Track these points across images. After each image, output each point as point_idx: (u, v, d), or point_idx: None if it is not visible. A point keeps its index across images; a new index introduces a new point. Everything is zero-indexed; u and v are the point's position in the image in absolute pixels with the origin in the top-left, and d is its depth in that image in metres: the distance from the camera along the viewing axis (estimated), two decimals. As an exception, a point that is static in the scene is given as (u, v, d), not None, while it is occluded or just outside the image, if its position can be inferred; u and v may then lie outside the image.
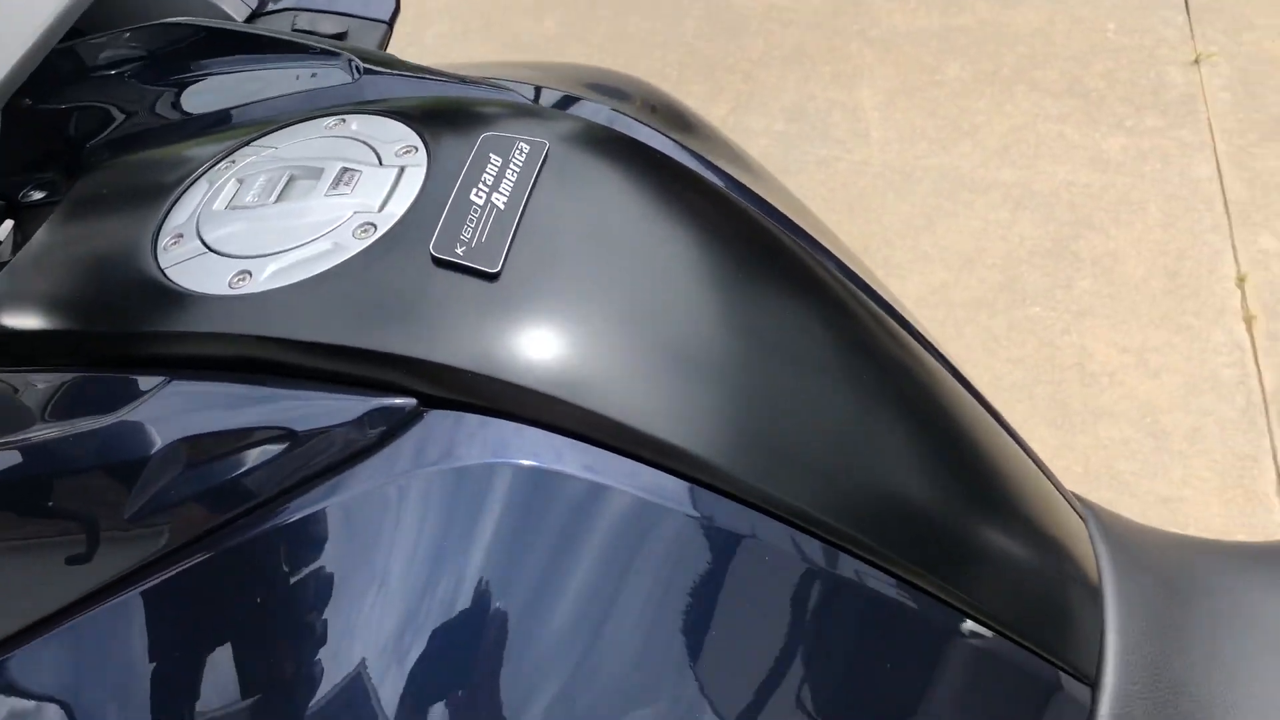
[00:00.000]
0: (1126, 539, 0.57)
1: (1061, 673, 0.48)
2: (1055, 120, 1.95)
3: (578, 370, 0.42)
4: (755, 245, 0.52)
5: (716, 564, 0.41)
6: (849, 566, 0.43)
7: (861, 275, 0.58)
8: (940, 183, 1.87)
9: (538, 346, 0.42)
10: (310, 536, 0.41)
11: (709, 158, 0.59)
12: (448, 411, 0.42)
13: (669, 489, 0.41)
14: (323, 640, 0.40)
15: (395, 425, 0.41)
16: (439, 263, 0.44)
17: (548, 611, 0.39)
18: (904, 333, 0.54)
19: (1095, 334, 1.65)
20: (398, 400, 0.42)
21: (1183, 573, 0.57)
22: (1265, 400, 1.56)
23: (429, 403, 0.42)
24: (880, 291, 0.58)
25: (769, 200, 0.58)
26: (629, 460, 0.40)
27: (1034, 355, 1.63)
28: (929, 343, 0.56)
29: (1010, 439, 0.55)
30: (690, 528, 0.41)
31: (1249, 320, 1.64)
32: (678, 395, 0.43)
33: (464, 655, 0.40)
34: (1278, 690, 0.54)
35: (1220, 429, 1.52)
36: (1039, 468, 0.55)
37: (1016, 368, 1.62)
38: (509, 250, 0.44)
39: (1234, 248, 1.75)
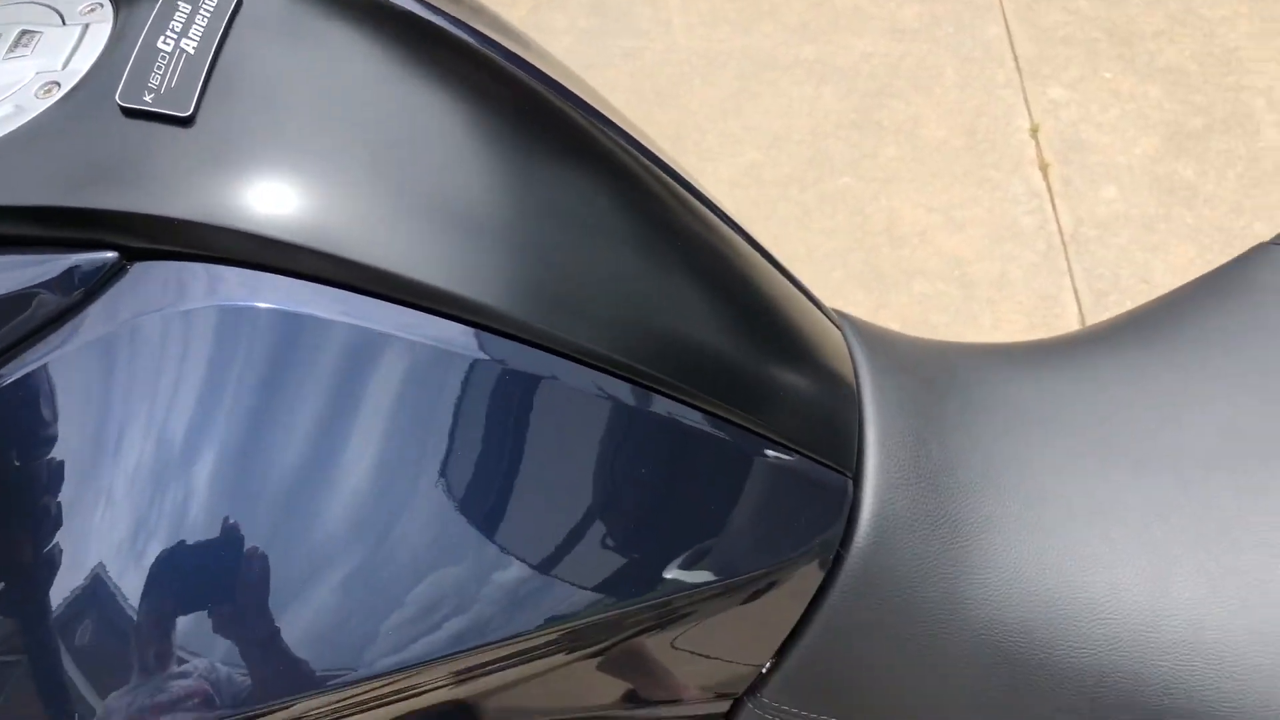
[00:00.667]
0: (884, 344, 0.59)
1: (824, 468, 0.49)
2: (851, -7, 1.98)
3: (295, 212, 0.41)
4: (514, 99, 0.51)
5: (484, 397, 0.41)
6: (621, 390, 0.43)
7: (629, 130, 0.57)
8: (744, 64, 1.88)
9: (246, 189, 0.41)
10: (19, 401, 0.39)
11: (474, 25, 0.57)
12: (155, 262, 0.40)
13: (401, 324, 0.40)
14: (53, 515, 0.39)
15: (98, 282, 0.39)
16: (128, 112, 0.42)
17: (324, 462, 0.39)
18: (667, 177, 0.54)
19: (903, 197, 1.69)
20: (97, 255, 0.40)
21: (940, 371, 0.59)
22: (1064, 241, 1.63)
23: (135, 255, 0.40)
24: (646, 144, 0.58)
25: (532, 61, 0.56)
26: (347, 293, 0.40)
27: (846, 224, 1.67)
28: (693, 187, 0.56)
29: (770, 265, 0.56)
30: (451, 365, 0.40)
31: (1044, 167, 1.72)
32: (420, 237, 0.42)
33: (218, 517, 0.38)
34: (1034, 468, 0.56)
35: (1024, 273, 1.59)
36: (798, 289, 0.57)
37: (830, 238, 1.66)
38: (202, 94, 0.42)
39: (1026, 101, 1.81)
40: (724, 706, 0.53)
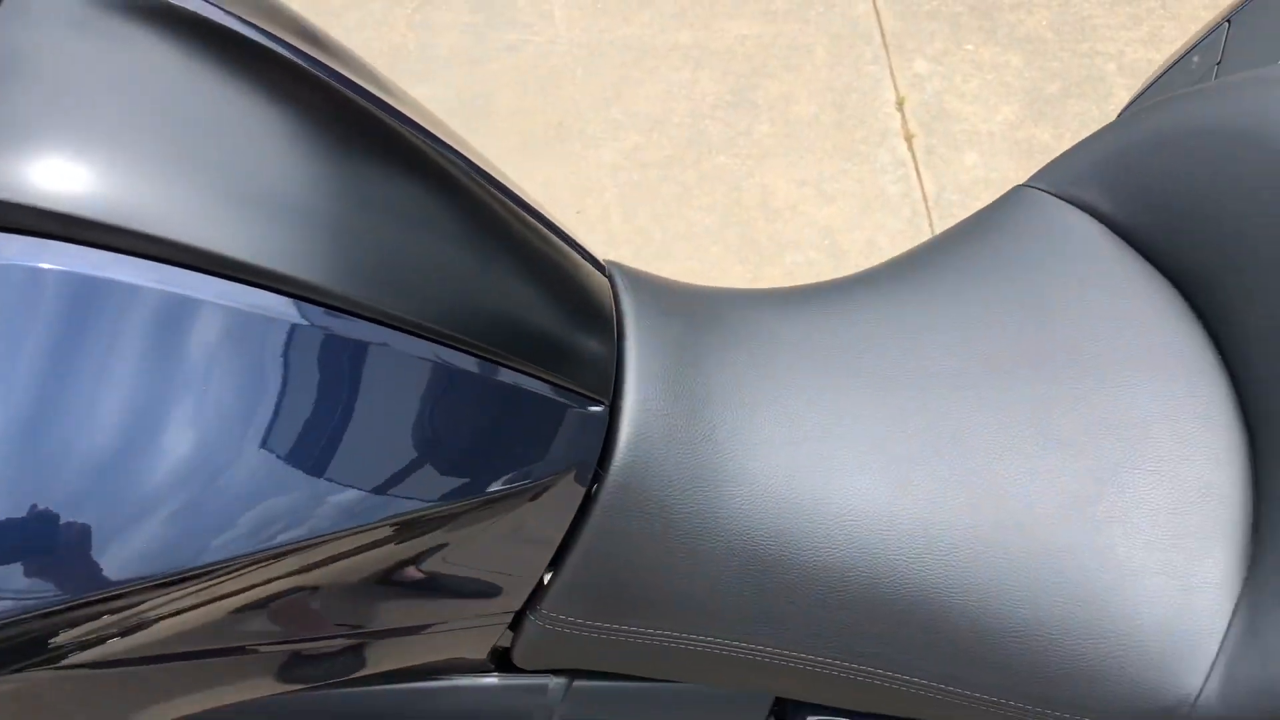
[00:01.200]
0: (654, 289, 0.65)
1: (580, 397, 0.56)
2: (726, -20, 2.05)
3: (79, 185, 0.45)
4: (301, 87, 0.56)
5: (250, 338, 0.46)
6: (394, 337, 0.49)
7: (414, 115, 0.62)
8: (625, 53, 1.95)
9: (32, 164, 0.45)
10: None
11: (266, 25, 0.61)
12: None
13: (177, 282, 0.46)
14: None
15: None
16: None
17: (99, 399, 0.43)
18: (446, 154, 0.59)
19: (776, 173, 1.77)
20: None
21: (706, 311, 0.66)
22: (928, 207, 1.72)
23: None
24: (430, 126, 0.63)
25: (323, 57, 0.61)
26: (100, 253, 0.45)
27: (723, 201, 1.74)
28: (474, 164, 0.62)
29: (542, 226, 0.62)
30: (231, 323, 0.46)
31: (909, 138, 1.80)
32: (197, 205, 0.47)
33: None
34: (787, 393, 0.63)
35: (890, 239, 1.68)
36: (568, 244, 0.63)
37: (708, 214, 1.73)
38: None
39: (892, 75, 1.90)
40: (508, 620, 0.60)
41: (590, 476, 0.57)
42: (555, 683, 0.64)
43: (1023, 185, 0.78)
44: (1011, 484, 0.62)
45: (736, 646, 0.61)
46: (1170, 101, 0.73)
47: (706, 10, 2.00)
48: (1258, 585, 0.59)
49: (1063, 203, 0.75)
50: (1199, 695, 0.57)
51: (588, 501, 0.57)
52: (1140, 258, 0.71)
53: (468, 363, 0.52)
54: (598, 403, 0.57)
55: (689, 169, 1.79)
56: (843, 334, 0.68)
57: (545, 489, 0.55)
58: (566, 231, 0.64)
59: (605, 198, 1.77)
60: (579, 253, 0.63)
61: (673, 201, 1.75)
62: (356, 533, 0.49)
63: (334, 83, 0.57)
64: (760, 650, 0.61)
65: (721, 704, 0.67)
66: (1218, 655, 0.58)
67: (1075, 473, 0.62)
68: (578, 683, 0.65)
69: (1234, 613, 0.59)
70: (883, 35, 1.96)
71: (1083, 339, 0.67)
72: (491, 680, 0.63)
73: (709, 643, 0.61)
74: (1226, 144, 0.68)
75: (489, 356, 0.53)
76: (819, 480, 0.61)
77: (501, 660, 0.64)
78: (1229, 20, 0.90)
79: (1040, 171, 0.78)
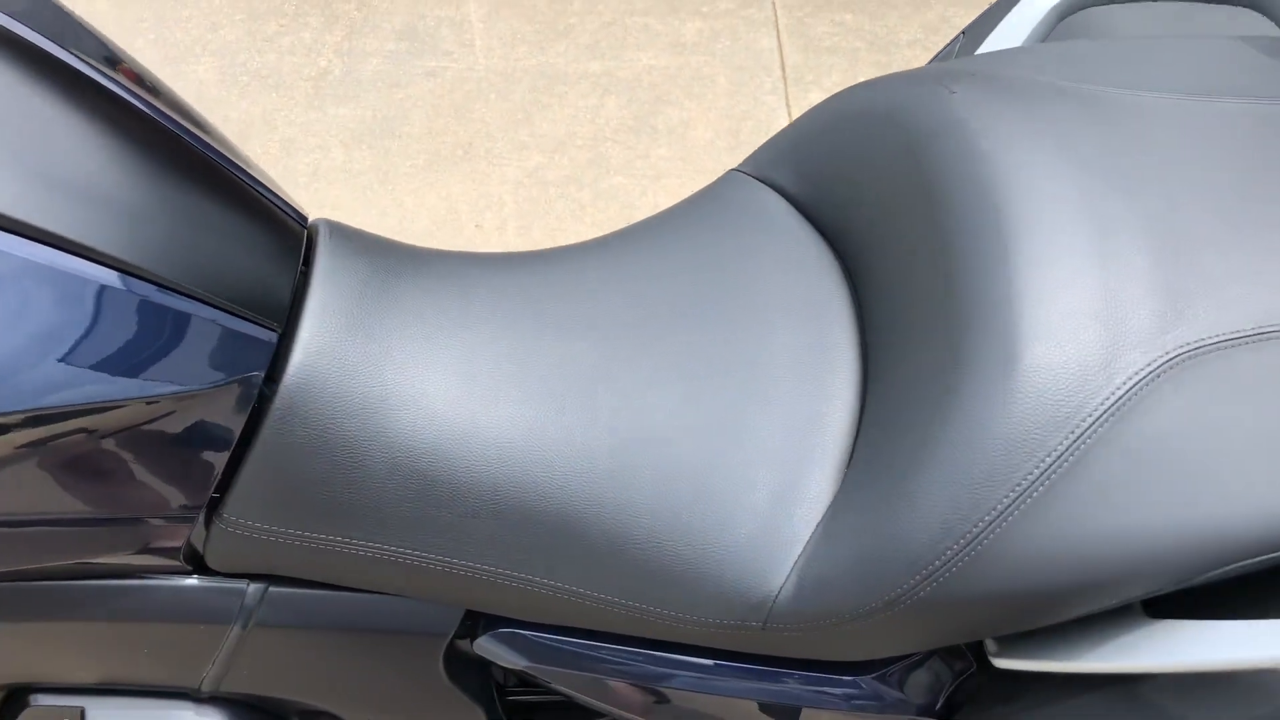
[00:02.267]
0: (357, 240, 0.74)
1: (249, 322, 0.64)
2: (641, 14, 2.16)
3: None
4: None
5: None
6: (83, 265, 0.58)
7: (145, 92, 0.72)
8: (537, 80, 2.05)
9: None
10: None
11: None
12: None
13: None
14: None
15: None
16: None
17: None
18: (171, 123, 0.69)
19: (668, 192, 1.86)
20: None
21: (409, 263, 0.74)
22: (808, 227, 1.81)
23: None
24: (164, 101, 0.73)
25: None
26: None
27: (616, 217, 1.84)
28: (196, 134, 0.71)
29: (249, 185, 0.71)
30: None
31: (796, 163, 1.89)
32: None
33: None
34: (463, 334, 0.71)
35: (767, 255, 1.76)
36: (270, 199, 0.72)
37: (600, 229, 1.81)
38: None
39: (788, 105, 2.00)
40: (191, 520, 0.67)
41: (256, 392, 0.65)
42: (253, 588, 0.72)
43: (733, 169, 0.87)
44: (652, 412, 0.70)
45: (411, 555, 0.69)
46: (846, 91, 0.81)
47: (619, 42, 2.11)
48: (839, 500, 0.66)
49: (758, 183, 0.84)
50: (778, 593, 0.65)
51: (260, 415, 0.65)
52: (810, 228, 0.80)
53: (144, 288, 0.61)
54: (268, 328, 0.66)
55: (586, 188, 1.89)
56: (534, 289, 0.76)
57: (212, 399, 0.63)
58: (272, 190, 0.73)
59: (504, 212, 1.86)
60: (278, 207, 0.72)
61: (567, 217, 1.85)
62: (28, 414, 0.58)
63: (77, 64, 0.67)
64: (430, 558, 0.69)
65: (413, 615, 0.75)
66: (798, 559, 0.65)
67: (707, 402, 0.70)
68: (274, 588, 0.72)
69: (819, 524, 0.66)
70: (783, 67, 2.06)
71: (740, 293, 0.75)
72: (189, 581, 0.71)
73: (384, 550, 0.69)
74: (874, 125, 0.76)
75: (163, 282, 0.61)
76: (480, 406, 0.69)
77: (201, 565, 0.72)
78: (963, 32, 0.99)
79: (748, 157, 0.86)
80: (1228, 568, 0.58)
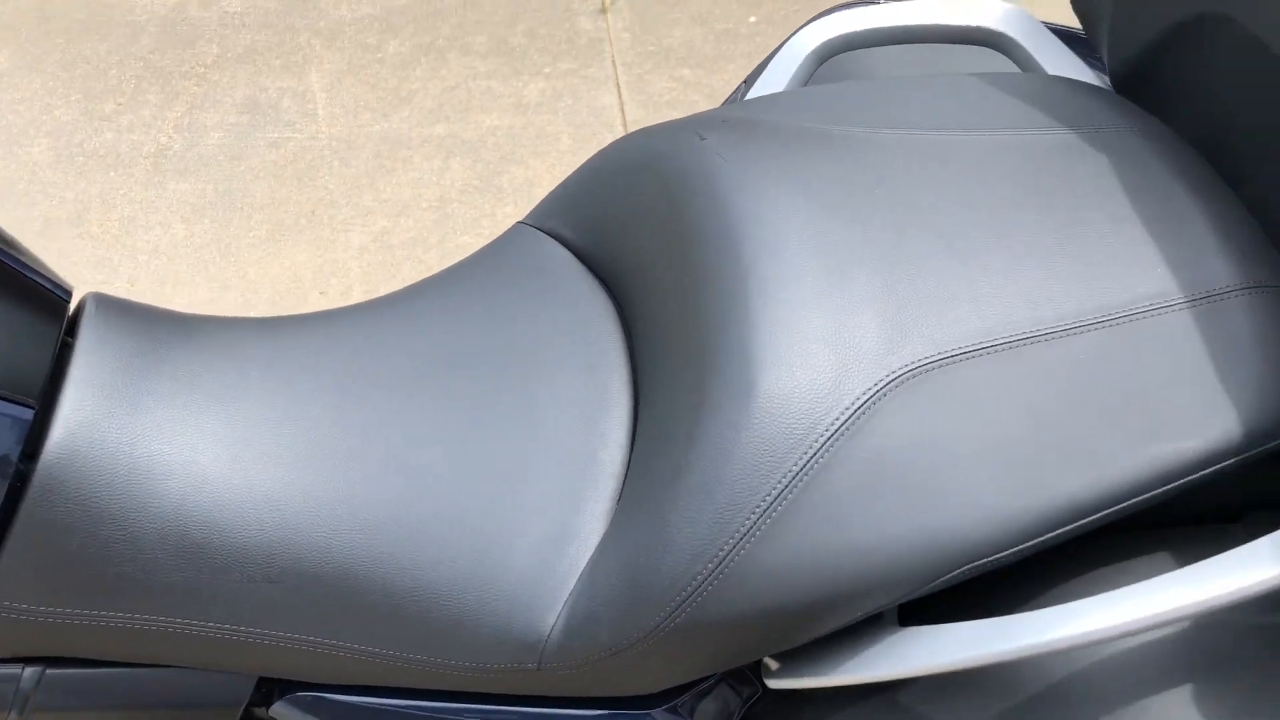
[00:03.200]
0: (129, 312, 0.73)
1: (5, 401, 0.64)
2: (484, 77, 2.20)
3: None
4: None
5: None
6: None
7: None
8: (381, 145, 2.07)
9: None
10: None
11: None
12: None
13: None
14: None
15: None
16: None
17: None
18: None
19: (514, 249, 1.89)
20: None
21: (179, 333, 0.75)
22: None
23: None
24: None
25: None
26: None
27: (463, 276, 1.85)
28: None
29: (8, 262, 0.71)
30: None
31: (639, 214, 1.94)
32: None
33: None
34: (245, 402, 0.72)
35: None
36: (30, 274, 0.72)
37: (446, 289, 1.83)
38: None
39: (629, 158, 2.04)
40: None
41: (13, 470, 0.64)
42: (29, 671, 0.71)
43: (519, 222, 0.89)
44: (428, 465, 0.71)
45: (190, 626, 0.69)
46: (617, 141, 0.84)
47: (463, 105, 2.14)
48: (607, 537, 0.68)
49: (542, 234, 0.86)
50: (550, 633, 0.66)
51: (19, 493, 0.65)
52: (590, 275, 0.82)
53: None
54: (23, 405, 0.65)
55: (432, 249, 1.90)
56: (313, 351, 0.77)
57: None
58: (29, 266, 0.73)
59: (349, 278, 1.86)
60: (37, 282, 0.72)
61: (414, 278, 1.84)
62: None
63: None
64: (211, 628, 0.69)
65: (202, 686, 0.74)
66: (568, 599, 0.67)
67: (483, 452, 0.71)
68: (51, 670, 0.71)
69: (588, 563, 0.68)
70: (624, 124, 2.11)
71: (520, 344, 0.77)
72: (-41, 670, 0.70)
73: (162, 622, 0.68)
74: (636, 174, 0.79)
75: None
76: (253, 471, 0.69)
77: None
78: (745, 80, 1.03)
79: (533, 209, 0.89)
80: (960, 570, 0.61)
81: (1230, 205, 0.72)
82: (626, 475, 0.71)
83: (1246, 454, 0.62)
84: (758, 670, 0.73)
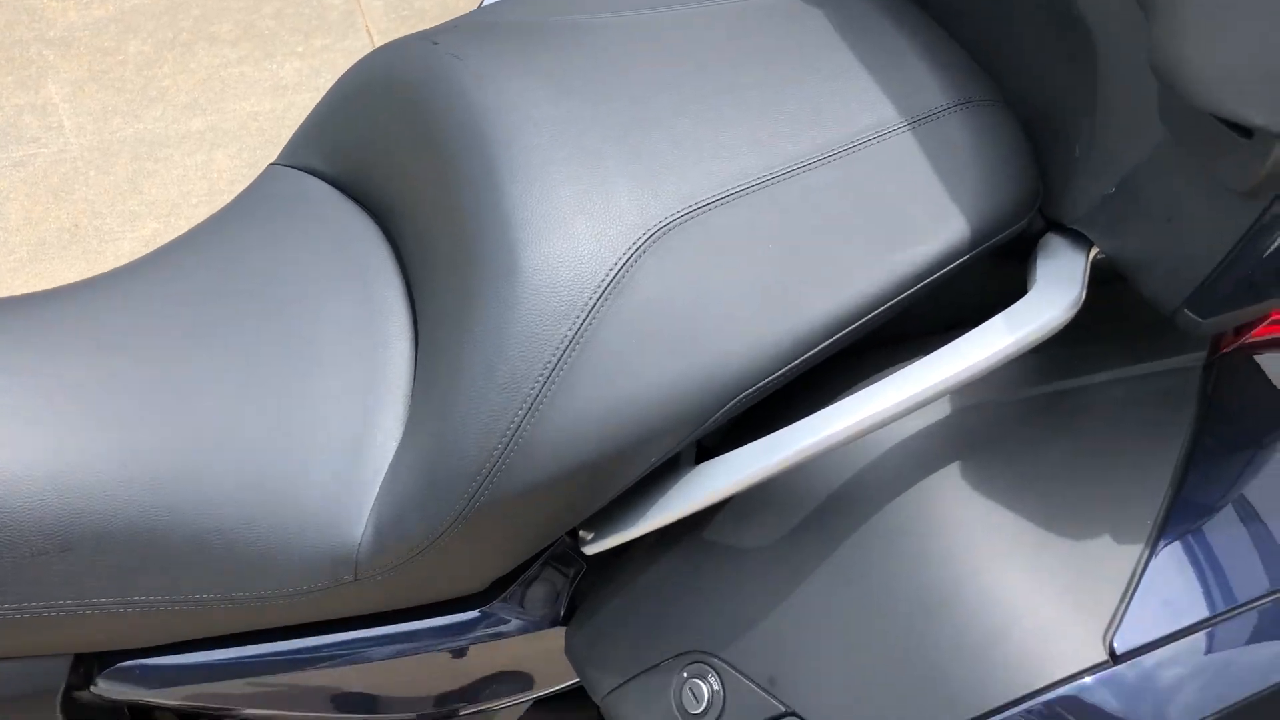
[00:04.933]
0: None
1: None
2: (236, 64, 2.13)
3: None
4: None
5: None
6: None
7: None
8: (138, 148, 1.98)
9: None
10: None
11: None
12: None
13: None
14: None
15: None
16: None
17: None
18: None
19: (296, 230, 1.84)
20: None
21: None
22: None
23: None
24: None
25: None
26: None
27: (247, 265, 1.80)
28: None
29: None
30: None
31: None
32: None
33: None
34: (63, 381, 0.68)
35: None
36: None
37: (232, 281, 1.78)
38: None
39: (400, 124, 2.02)
40: None
41: None
42: None
43: (271, 164, 0.88)
44: (211, 409, 0.70)
45: None
46: (355, 65, 0.84)
47: (218, 95, 2.07)
48: (403, 442, 0.69)
49: (296, 170, 0.85)
50: (360, 542, 0.67)
51: None
52: (349, 201, 0.82)
53: None
54: None
55: (210, 244, 1.84)
56: (79, 318, 0.74)
57: None
58: None
59: (126, 286, 1.78)
60: None
61: (196, 277, 1.79)
62: None
63: None
64: (13, 609, 0.66)
65: (13, 676, 0.71)
66: (373, 506, 0.67)
67: (265, 386, 0.71)
68: None
69: (388, 468, 0.68)
70: (389, 89, 2.08)
71: (287, 279, 0.76)
72: None
73: None
74: (377, 91, 0.79)
75: None
76: (26, 445, 0.66)
77: None
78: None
79: (283, 149, 0.88)
80: (735, 400, 0.64)
81: (936, 35, 0.77)
82: (414, 379, 0.72)
83: (974, 250, 0.67)
84: (578, 549, 0.75)
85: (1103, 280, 0.68)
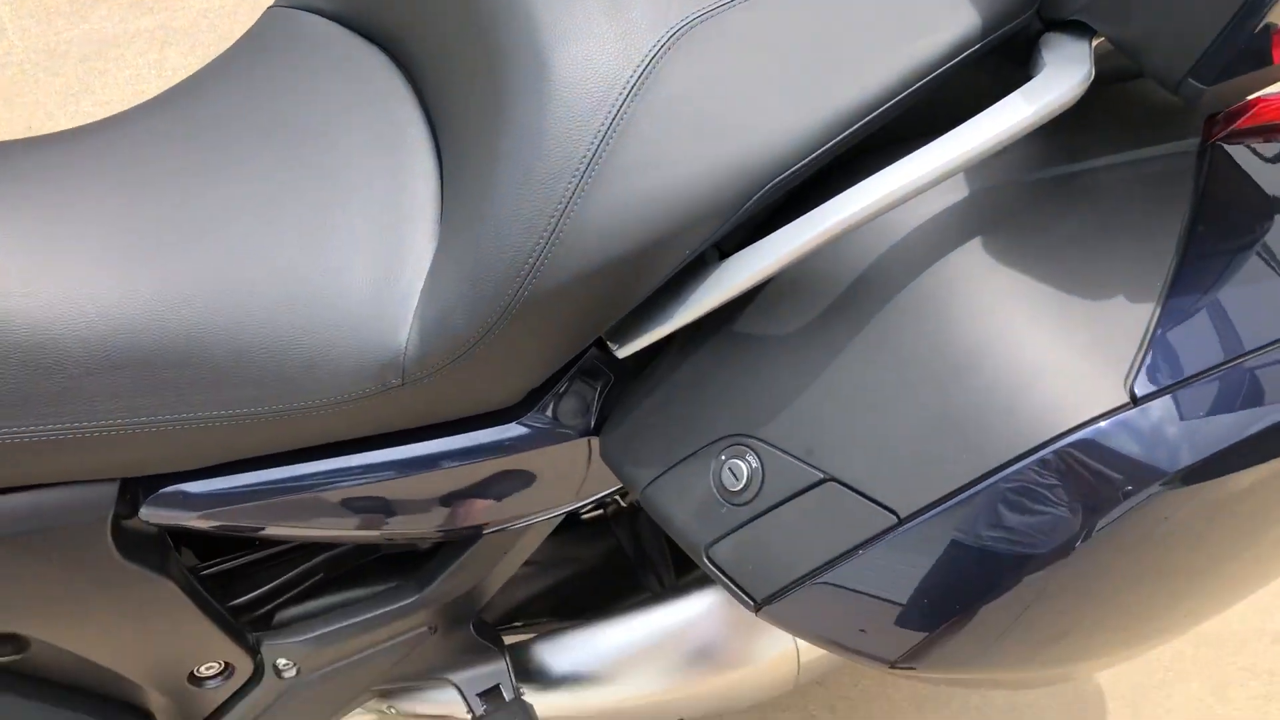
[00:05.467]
0: None
1: None
2: (180, -39, 2.08)
3: None
4: None
5: None
6: None
7: None
8: (86, 48, 1.93)
9: None
10: None
11: None
12: None
13: None
14: None
15: None
16: None
17: None
18: None
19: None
20: None
21: None
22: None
23: None
24: None
25: None
26: None
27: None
28: None
29: None
30: None
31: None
32: None
33: None
34: (10, 209, 0.69)
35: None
36: None
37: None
38: None
39: (355, 15, 1.99)
40: None
41: None
42: None
43: (270, 6, 0.88)
44: (242, 233, 0.71)
45: (30, 431, 0.66)
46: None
47: (165, -7, 2.02)
48: (440, 249, 0.70)
49: (299, 10, 0.85)
50: (406, 345, 0.68)
51: None
52: (356, 35, 0.82)
53: None
54: None
55: (171, 141, 1.81)
56: (101, 156, 0.74)
57: None
58: None
59: (89, 186, 1.76)
60: None
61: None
62: None
63: None
64: (52, 429, 0.67)
65: (63, 503, 0.72)
66: (415, 310, 0.69)
67: (294, 209, 0.72)
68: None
69: (427, 275, 0.70)
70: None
71: (304, 111, 0.77)
72: None
73: (3, 434, 0.66)
74: None
75: None
76: (67, 270, 0.67)
77: None
78: None
79: (278, -8, 0.88)
80: (766, 188, 0.66)
81: None
82: (443, 193, 0.73)
83: (985, 40, 0.70)
84: (611, 362, 0.78)
85: (1099, 82, 0.71)
